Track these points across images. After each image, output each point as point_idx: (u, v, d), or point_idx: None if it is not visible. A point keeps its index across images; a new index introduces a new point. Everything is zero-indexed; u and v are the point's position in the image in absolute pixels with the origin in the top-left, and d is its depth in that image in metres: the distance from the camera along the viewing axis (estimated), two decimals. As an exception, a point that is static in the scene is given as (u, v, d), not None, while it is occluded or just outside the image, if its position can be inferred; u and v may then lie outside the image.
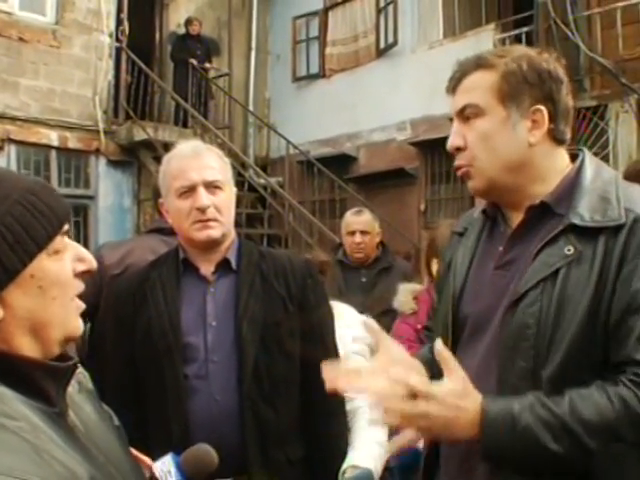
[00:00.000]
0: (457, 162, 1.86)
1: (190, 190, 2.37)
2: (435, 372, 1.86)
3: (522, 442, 1.56)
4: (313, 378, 2.43)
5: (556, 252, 1.69)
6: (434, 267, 3.43)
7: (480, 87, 1.80)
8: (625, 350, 1.60)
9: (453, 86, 1.87)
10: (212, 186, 2.38)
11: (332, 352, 2.54)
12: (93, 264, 1.32)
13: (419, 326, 3.40)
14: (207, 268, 2.45)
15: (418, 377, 1.60)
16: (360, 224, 5.19)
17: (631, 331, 1.60)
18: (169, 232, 2.98)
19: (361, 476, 2.16)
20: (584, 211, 1.70)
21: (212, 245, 2.41)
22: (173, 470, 1.62)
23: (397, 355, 1.78)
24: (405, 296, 3.60)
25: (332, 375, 1.71)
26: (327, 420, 2.49)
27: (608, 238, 1.66)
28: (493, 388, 1.71)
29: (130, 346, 2.44)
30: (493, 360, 1.74)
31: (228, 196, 2.44)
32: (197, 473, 1.65)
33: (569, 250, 1.67)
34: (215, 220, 2.38)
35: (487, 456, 1.62)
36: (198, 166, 2.39)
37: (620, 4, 8.95)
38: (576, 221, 1.69)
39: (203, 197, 2.35)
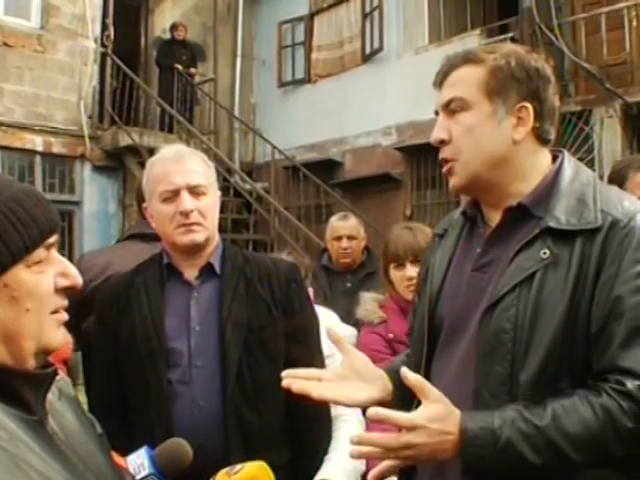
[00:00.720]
0: (441, 155, 1.85)
1: (174, 194, 2.36)
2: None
3: (504, 457, 1.55)
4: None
5: (532, 255, 1.68)
6: (392, 273, 3.35)
7: (467, 81, 1.79)
8: (607, 357, 1.59)
9: (440, 80, 1.85)
10: (196, 190, 2.37)
11: (317, 356, 2.53)
12: (77, 280, 1.29)
13: (391, 335, 3.30)
14: (191, 273, 2.43)
15: (398, 412, 1.57)
16: (347, 229, 5.17)
17: (613, 338, 1.59)
18: (152, 238, 2.96)
19: None
20: (560, 214, 1.70)
21: (196, 249, 2.40)
22: (147, 463, 1.60)
23: (361, 366, 1.81)
24: (371, 305, 3.47)
25: (290, 376, 1.73)
26: (312, 425, 2.49)
27: (585, 241, 1.65)
28: (470, 394, 1.69)
29: (114, 352, 2.42)
30: (469, 365, 1.73)
31: (212, 200, 2.43)
32: (171, 466, 1.63)
33: (545, 253, 1.66)
34: (199, 224, 2.36)
35: (469, 472, 1.60)
36: (181, 170, 2.37)
37: (604, 9, 9.00)
38: (552, 224, 1.68)
39: (187, 201, 2.34)
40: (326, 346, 2.67)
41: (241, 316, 2.36)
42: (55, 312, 1.26)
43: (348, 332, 3.46)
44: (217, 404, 2.31)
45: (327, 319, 3.19)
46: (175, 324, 2.39)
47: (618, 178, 2.93)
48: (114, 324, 2.44)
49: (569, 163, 1.82)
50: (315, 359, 2.50)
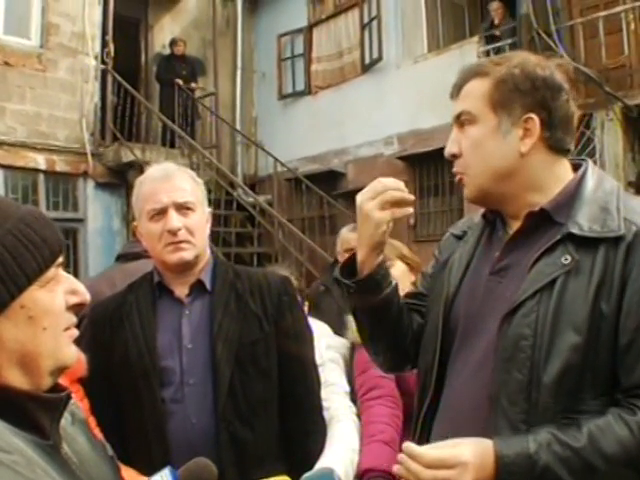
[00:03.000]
0: (454, 169, 1.86)
1: (161, 212, 2.35)
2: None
3: None
4: (291, 397, 2.41)
5: (553, 261, 1.66)
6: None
7: (474, 94, 1.80)
8: (638, 373, 1.58)
9: (454, 93, 1.87)
10: (183, 208, 2.37)
11: (311, 370, 2.53)
12: (86, 297, 1.31)
13: None
14: (181, 290, 2.43)
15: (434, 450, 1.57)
16: None
17: None
18: (132, 257, 3.00)
19: (319, 474, 2.01)
20: (583, 221, 1.68)
21: (185, 267, 2.40)
22: None
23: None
24: None
25: None
26: (306, 440, 2.47)
27: (607, 249, 1.63)
28: (485, 401, 1.68)
29: (108, 371, 2.42)
30: (486, 370, 1.71)
31: (200, 217, 2.42)
32: None
33: (566, 259, 1.65)
34: (187, 242, 2.36)
35: None
36: (168, 188, 2.37)
37: (602, 13, 9.01)
38: (574, 230, 1.67)
39: (174, 219, 2.34)
40: (317, 355, 2.67)
41: (232, 332, 2.35)
42: (67, 329, 1.27)
43: (339, 343, 3.45)
44: (209, 421, 2.30)
45: (317, 331, 3.18)
46: (167, 342, 2.38)
47: None
48: (107, 344, 2.43)
49: (592, 172, 1.80)
50: (309, 373, 2.50)
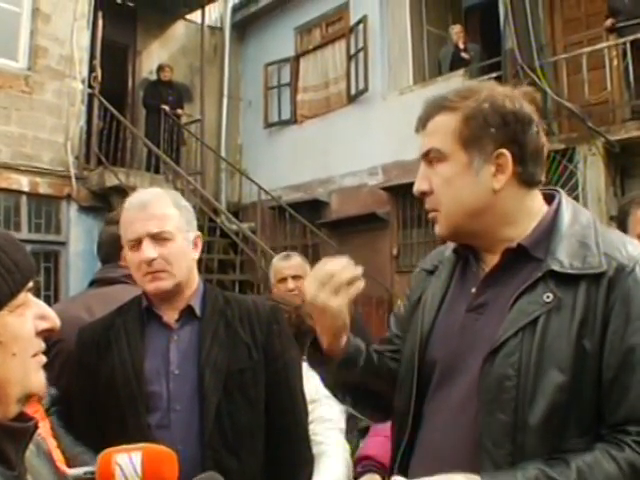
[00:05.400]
0: (426, 206, 1.81)
1: (137, 242, 2.33)
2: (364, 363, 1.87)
3: None
4: (278, 427, 2.39)
5: (535, 299, 1.63)
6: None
7: (442, 131, 1.75)
8: (624, 408, 1.56)
9: (419, 126, 1.81)
10: (159, 237, 2.33)
11: (298, 400, 2.50)
12: (56, 322, 1.29)
13: None
14: (170, 316, 2.41)
15: None
16: (291, 269, 4.69)
17: (629, 389, 1.56)
18: (108, 282, 2.99)
19: None
20: (563, 257, 1.65)
21: (165, 296, 2.38)
22: None
23: None
24: None
25: None
26: (293, 470, 2.44)
27: (589, 286, 1.61)
28: (469, 441, 1.65)
29: (93, 395, 2.39)
30: (468, 411, 1.67)
31: (180, 245, 2.38)
32: None
33: (548, 297, 1.62)
34: (164, 271, 2.33)
35: None
36: (144, 217, 2.34)
37: (586, 50, 9.14)
38: (555, 267, 1.63)
39: (147, 250, 2.31)
40: (313, 390, 2.64)
41: (220, 359, 2.33)
42: (35, 355, 1.25)
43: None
44: (195, 449, 2.27)
45: None
46: (154, 367, 2.36)
47: (621, 214, 2.95)
48: (94, 367, 2.41)
49: (567, 204, 1.78)
50: (297, 403, 2.48)
